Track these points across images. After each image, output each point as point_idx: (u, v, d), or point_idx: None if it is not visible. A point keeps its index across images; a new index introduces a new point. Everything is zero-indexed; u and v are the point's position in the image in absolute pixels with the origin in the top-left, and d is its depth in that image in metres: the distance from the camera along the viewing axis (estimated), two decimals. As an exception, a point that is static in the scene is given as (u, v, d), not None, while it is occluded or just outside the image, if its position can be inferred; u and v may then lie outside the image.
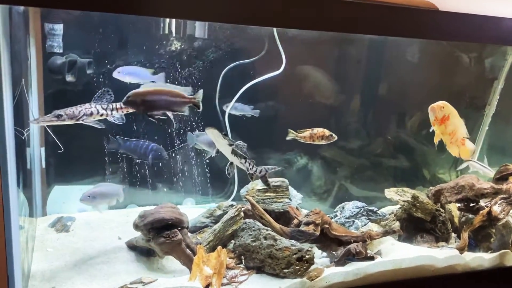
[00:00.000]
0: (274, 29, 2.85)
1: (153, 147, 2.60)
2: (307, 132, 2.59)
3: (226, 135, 2.24)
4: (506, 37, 2.47)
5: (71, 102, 2.67)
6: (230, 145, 2.27)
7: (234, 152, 2.28)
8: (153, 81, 2.53)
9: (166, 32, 2.89)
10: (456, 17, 2.30)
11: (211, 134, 2.24)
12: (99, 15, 2.61)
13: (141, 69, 2.54)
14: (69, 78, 2.53)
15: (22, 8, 2.20)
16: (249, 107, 3.00)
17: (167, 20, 2.85)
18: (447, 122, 2.48)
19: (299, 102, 3.29)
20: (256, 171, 2.39)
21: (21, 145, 2.14)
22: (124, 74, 2.47)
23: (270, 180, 2.75)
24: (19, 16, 2.18)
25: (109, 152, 2.72)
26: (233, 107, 3.00)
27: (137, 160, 2.72)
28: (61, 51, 2.55)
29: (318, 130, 2.60)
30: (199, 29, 2.92)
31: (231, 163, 2.34)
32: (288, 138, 2.59)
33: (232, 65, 3.02)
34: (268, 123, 3.25)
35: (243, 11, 1.92)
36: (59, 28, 2.52)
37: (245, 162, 2.32)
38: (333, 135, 2.61)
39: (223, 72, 3.02)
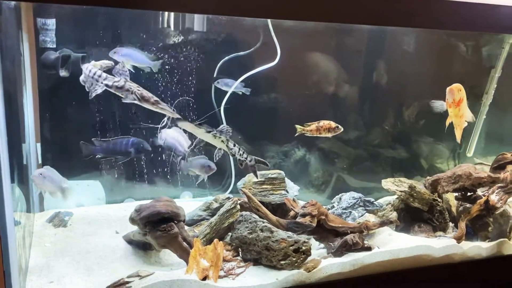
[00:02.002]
0: (269, 20, 2.82)
1: (134, 141, 2.47)
2: (313, 125, 2.57)
3: (201, 124, 2.19)
4: (503, 25, 2.45)
5: (67, 96, 2.70)
6: (209, 131, 2.22)
7: (217, 137, 2.23)
8: (149, 66, 2.50)
9: (162, 25, 2.87)
10: (453, 6, 2.28)
11: (185, 126, 2.19)
12: (92, 9, 2.59)
13: (139, 53, 2.50)
14: (63, 73, 2.52)
15: (13, 3, 2.18)
16: (241, 84, 2.96)
17: (165, 13, 2.83)
18: (461, 105, 2.48)
19: (296, 94, 3.27)
20: (246, 158, 2.36)
21: (15, 140, 2.14)
22: (119, 55, 2.43)
23: (266, 172, 2.76)
24: (11, 11, 2.16)
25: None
26: (224, 84, 2.95)
27: (119, 159, 2.53)
28: (54, 46, 2.54)
29: (324, 123, 2.58)
30: (197, 21, 2.90)
31: (219, 149, 2.31)
32: (296, 134, 2.56)
33: (227, 57, 3.00)
34: (265, 115, 3.24)
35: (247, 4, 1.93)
36: (51, 23, 2.50)
37: (234, 146, 2.29)
38: (339, 126, 2.59)
39: (218, 64, 3.00)
